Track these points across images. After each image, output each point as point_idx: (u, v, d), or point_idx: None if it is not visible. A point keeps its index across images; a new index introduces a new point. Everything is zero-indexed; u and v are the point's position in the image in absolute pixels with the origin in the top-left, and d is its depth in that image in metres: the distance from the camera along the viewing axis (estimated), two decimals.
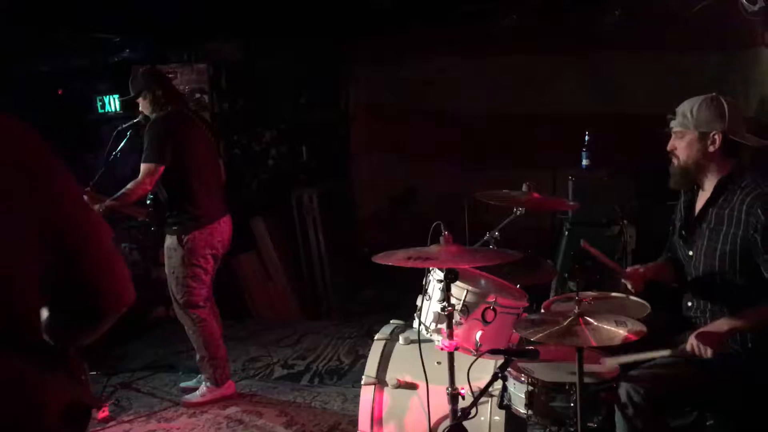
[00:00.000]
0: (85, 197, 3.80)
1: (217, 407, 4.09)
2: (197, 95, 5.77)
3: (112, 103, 5.73)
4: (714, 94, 2.68)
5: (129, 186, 3.85)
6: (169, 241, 4.03)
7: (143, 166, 3.86)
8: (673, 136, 2.73)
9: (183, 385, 4.38)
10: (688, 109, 2.67)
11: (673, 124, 2.72)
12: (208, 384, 4.14)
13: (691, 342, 2.46)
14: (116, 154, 4.29)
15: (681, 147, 2.70)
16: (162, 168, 3.84)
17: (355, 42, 6.57)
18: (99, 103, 5.73)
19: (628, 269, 2.90)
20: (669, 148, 2.75)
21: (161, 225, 4.07)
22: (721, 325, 2.51)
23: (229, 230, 4.18)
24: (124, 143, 4.27)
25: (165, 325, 5.63)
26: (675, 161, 2.75)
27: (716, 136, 2.62)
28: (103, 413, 3.97)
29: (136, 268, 5.72)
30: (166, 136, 3.89)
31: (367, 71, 6.81)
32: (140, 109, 4.09)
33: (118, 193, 3.84)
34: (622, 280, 2.89)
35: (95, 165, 4.60)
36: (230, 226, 4.20)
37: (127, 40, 5.67)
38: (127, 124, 4.24)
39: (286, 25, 5.74)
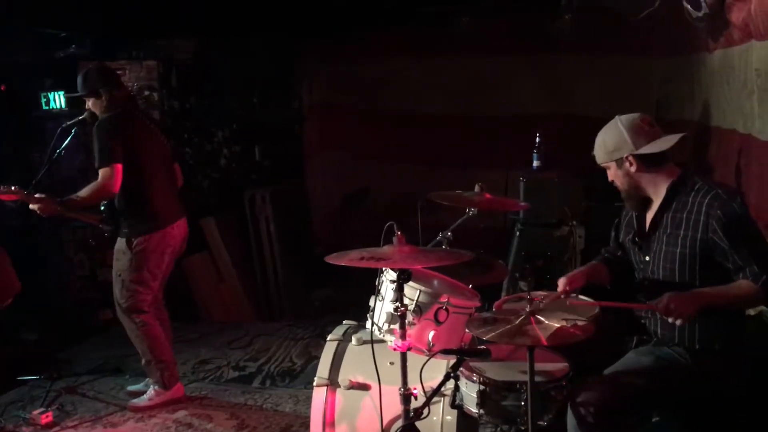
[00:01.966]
0: (36, 201, 3.69)
1: (166, 411, 4.01)
2: (146, 93, 5.65)
3: (57, 100, 5.57)
4: (615, 119, 2.73)
5: (87, 188, 3.76)
6: (119, 243, 3.94)
7: (101, 172, 3.74)
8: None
9: (130, 389, 4.28)
10: (599, 144, 2.76)
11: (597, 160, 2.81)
12: (155, 387, 4.06)
13: (665, 301, 2.47)
14: (60, 151, 4.17)
15: (613, 178, 2.79)
16: (120, 166, 3.74)
17: (310, 42, 6.54)
18: (44, 100, 5.56)
19: (561, 282, 2.86)
20: (609, 180, 2.83)
21: (115, 229, 3.96)
22: (696, 294, 2.51)
23: (184, 233, 4.10)
24: (69, 141, 4.15)
25: (112, 327, 5.48)
26: (619, 190, 2.82)
27: (629, 159, 2.68)
28: (47, 419, 3.86)
29: (82, 269, 5.58)
30: (114, 136, 3.79)
31: (321, 71, 6.79)
32: (89, 107, 3.98)
33: (76, 194, 3.76)
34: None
35: (39, 162, 4.47)
36: (185, 229, 4.12)
37: (73, 35, 5.52)
38: (72, 122, 4.12)
39: (239, 23, 5.68)
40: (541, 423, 2.39)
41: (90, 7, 4.87)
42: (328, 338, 3.17)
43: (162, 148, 4.08)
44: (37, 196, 3.73)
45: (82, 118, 4.10)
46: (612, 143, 2.69)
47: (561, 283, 2.84)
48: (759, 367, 2.66)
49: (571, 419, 2.50)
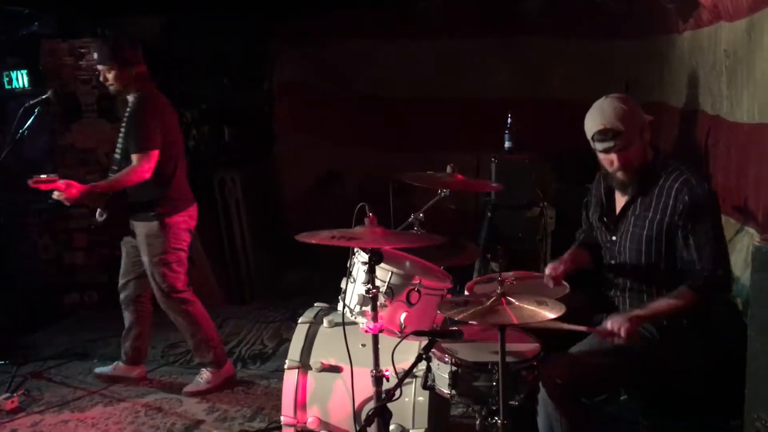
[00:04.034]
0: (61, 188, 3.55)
1: (135, 394, 3.97)
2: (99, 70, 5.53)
3: (20, 79, 5.43)
4: (614, 95, 2.62)
5: (121, 173, 3.67)
6: (147, 228, 3.81)
7: (136, 155, 3.65)
8: (616, 154, 2.60)
9: (98, 371, 4.20)
10: (625, 116, 2.55)
11: (608, 144, 2.58)
12: (209, 369, 4.00)
13: (608, 324, 2.52)
14: (23, 131, 4.05)
15: (632, 157, 2.62)
16: (157, 152, 3.66)
17: (279, 21, 6.44)
18: (6, 79, 5.42)
19: (548, 270, 2.89)
20: (621, 163, 2.62)
21: (117, 216, 3.81)
22: (638, 313, 2.57)
23: (197, 212, 4.04)
24: (32, 120, 4.04)
25: (78, 312, 5.44)
26: (625, 173, 2.66)
27: (646, 127, 2.63)
28: (12, 404, 3.79)
29: (48, 252, 5.47)
30: (156, 120, 3.71)
31: (291, 52, 6.69)
32: (108, 79, 3.77)
33: (104, 180, 3.69)
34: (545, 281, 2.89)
35: (2, 143, 4.35)
36: (197, 208, 4.05)
37: (36, 12, 5.37)
38: (35, 101, 4.00)
39: (208, 2, 5.56)
40: (512, 403, 2.40)
41: None
42: (299, 321, 3.16)
43: (180, 128, 4.01)
44: (65, 182, 3.58)
45: (46, 97, 3.99)
46: (640, 113, 2.60)
47: (549, 267, 2.88)
48: (725, 344, 2.71)
49: (542, 398, 2.52)
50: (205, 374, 4.00)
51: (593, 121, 2.62)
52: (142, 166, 3.64)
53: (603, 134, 2.58)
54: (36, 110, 4.01)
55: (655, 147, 2.76)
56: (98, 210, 3.78)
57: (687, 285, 2.55)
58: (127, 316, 4.10)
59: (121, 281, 4.08)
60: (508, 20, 5.97)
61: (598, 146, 2.63)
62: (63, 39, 5.45)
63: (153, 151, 3.67)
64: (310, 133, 6.69)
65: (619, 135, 2.56)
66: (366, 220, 2.60)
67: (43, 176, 3.56)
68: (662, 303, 2.58)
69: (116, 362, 4.19)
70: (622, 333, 2.48)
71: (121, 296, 4.09)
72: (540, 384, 2.49)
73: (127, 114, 3.83)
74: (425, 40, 6.24)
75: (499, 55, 6.13)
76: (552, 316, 2.23)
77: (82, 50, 5.44)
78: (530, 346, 2.58)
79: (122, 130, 3.84)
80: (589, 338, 2.66)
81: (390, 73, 6.39)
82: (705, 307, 2.67)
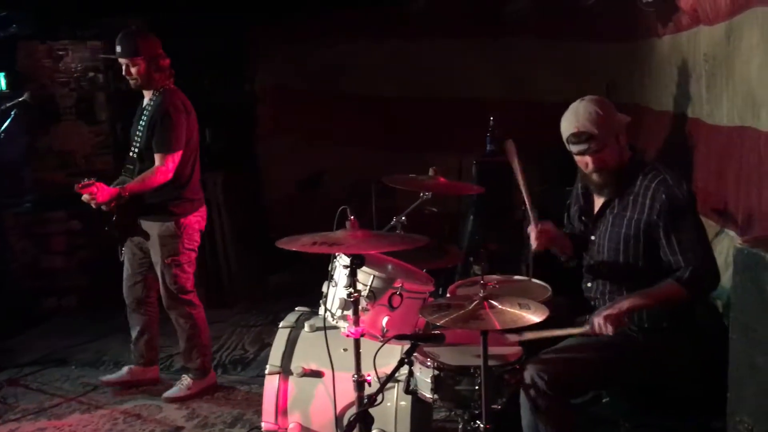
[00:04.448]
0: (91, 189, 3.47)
1: (114, 401, 3.91)
2: (91, 74, 5.48)
3: None
4: (589, 97, 2.63)
5: (145, 174, 3.59)
6: (163, 228, 3.73)
7: (160, 157, 3.57)
8: (590, 156, 2.61)
9: (106, 379, 4.09)
10: (598, 120, 2.55)
11: (582, 147, 2.58)
12: (191, 375, 3.94)
13: (594, 322, 2.52)
14: (0, 134, 4.00)
15: (607, 159, 2.62)
16: (180, 153, 3.60)
17: (263, 22, 6.40)
18: None
19: (540, 226, 2.83)
20: (595, 166, 2.63)
21: (132, 214, 3.73)
22: (621, 304, 2.56)
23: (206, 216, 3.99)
24: (9, 123, 3.98)
25: (56, 317, 5.35)
26: (600, 175, 2.66)
27: (622, 130, 2.64)
28: None
29: (25, 256, 5.38)
30: (183, 119, 3.65)
31: (274, 53, 6.66)
32: (132, 73, 3.67)
33: (136, 179, 3.61)
34: (528, 230, 2.84)
35: None
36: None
37: (13, 13, 5.29)
38: (11, 103, 3.98)
39: (190, 3, 5.51)
40: (495, 407, 2.39)
41: None
42: (280, 325, 3.13)
43: (198, 127, 3.91)
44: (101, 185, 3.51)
45: (23, 100, 3.95)
46: (614, 116, 2.60)
47: (533, 230, 2.81)
48: (707, 346, 2.72)
49: (524, 401, 2.51)
50: (186, 380, 3.95)
51: (568, 124, 2.64)
52: (167, 166, 3.57)
53: (577, 137, 2.60)
54: (12, 112, 3.97)
55: (633, 147, 2.76)
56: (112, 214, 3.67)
57: (673, 278, 2.53)
58: (137, 319, 4.02)
59: (127, 284, 3.99)
60: (490, 22, 5.99)
61: (573, 148, 2.65)
62: (41, 41, 5.39)
63: (179, 152, 3.61)
64: (293, 135, 6.66)
65: (592, 138, 2.57)
66: (347, 224, 2.58)
67: (85, 180, 3.48)
68: (645, 295, 2.56)
69: (128, 366, 4.10)
70: (609, 330, 2.48)
71: (129, 299, 4.00)
72: (523, 385, 2.48)
73: (148, 110, 3.71)
74: (409, 42, 6.24)
75: (482, 57, 6.14)
76: (535, 319, 2.22)
77: (61, 52, 5.39)
78: (512, 349, 2.57)
79: (141, 126, 3.72)
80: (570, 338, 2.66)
81: (373, 75, 6.38)
82: (689, 306, 2.68)
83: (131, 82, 3.72)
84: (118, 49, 3.67)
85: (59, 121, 5.47)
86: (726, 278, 3.04)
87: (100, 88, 5.48)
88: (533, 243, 2.81)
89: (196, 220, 3.83)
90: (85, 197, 3.51)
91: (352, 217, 2.58)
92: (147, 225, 3.76)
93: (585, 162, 2.67)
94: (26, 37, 5.34)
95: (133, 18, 5.61)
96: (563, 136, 2.66)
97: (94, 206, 3.56)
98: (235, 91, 6.71)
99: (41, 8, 5.27)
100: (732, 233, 3.17)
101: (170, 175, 3.60)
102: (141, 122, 3.73)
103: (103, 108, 5.58)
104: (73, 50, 5.44)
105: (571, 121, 2.62)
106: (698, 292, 2.60)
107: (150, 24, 5.66)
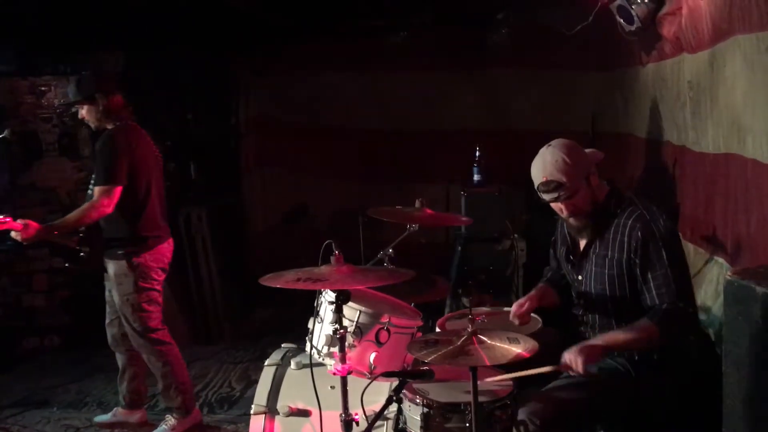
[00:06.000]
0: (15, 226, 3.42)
1: None
2: (74, 109, 5.42)
3: None
4: (558, 141, 2.61)
5: (80, 209, 3.54)
6: (116, 266, 3.68)
7: (98, 189, 3.54)
8: (563, 203, 2.61)
9: (99, 420, 4.03)
10: (565, 167, 2.53)
11: (553, 195, 2.57)
12: (174, 415, 3.84)
13: (565, 357, 2.48)
14: None
15: (580, 203, 2.61)
16: (120, 188, 3.55)
17: (246, 55, 6.41)
18: None
19: (514, 308, 2.86)
20: (569, 213, 2.63)
21: (97, 251, 3.69)
22: (596, 341, 2.54)
23: (172, 250, 3.91)
24: None
25: (37, 357, 5.22)
26: (577, 218, 2.66)
27: (592, 170, 2.63)
28: None
29: (4, 295, 5.27)
30: (122, 155, 3.59)
31: (257, 86, 6.66)
32: (82, 115, 3.73)
33: (65, 218, 3.54)
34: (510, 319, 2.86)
35: None
36: (172, 245, 3.93)
37: None
38: None
39: (171, 36, 5.50)
40: None
41: (12, 19, 4.63)
42: (266, 363, 3.05)
43: (157, 161, 3.87)
44: (21, 221, 3.45)
45: (3, 137, 3.90)
46: (582, 160, 2.59)
47: (515, 305, 2.85)
48: (698, 378, 2.68)
49: None
50: (170, 420, 3.85)
51: (537, 172, 2.62)
52: (102, 201, 3.53)
53: (546, 185, 2.58)
54: None
55: (611, 181, 2.74)
56: (80, 247, 3.64)
57: (648, 317, 2.51)
58: (119, 358, 3.96)
59: (107, 320, 3.94)
60: (475, 53, 6.03)
61: (544, 197, 2.63)
62: (23, 77, 5.35)
63: (116, 187, 3.56)
64: (278, 167, 6.65)
65: (561, 186, 2.55)
66: (332, 259, 2.54)
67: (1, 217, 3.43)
68: (619, 334, 2.55)
69: (115, 408, 4.04)
70: (579, 366, 2.42)
71: (109, 337, 3.94)
72: (515, 424, 2.43)
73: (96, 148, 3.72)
74: (394, 74, 6.26)
75: (467, 88, 6.18)
76: (525, 353, 2.17)
77: (43, 88, 5.35)
78: (503, 384, 2.51)
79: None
80: (563, 375, 2.61)
81: (358, 106, 6.39)
82: (673, 343, 2.62)
83: (89, 124, 3.77)
84: (69, 95, 3.73)
85: (42, 157, 5.41)
86: (717, 307, 3.01)
87: (83, 124, 5.41)
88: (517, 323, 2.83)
89: (153, 258, 3.74)
90: (13, 234, 3.46)
91: (336, 252, 2.53)
92: (106, 262, 3.74)
93: (559, 208, 2.66)
94: (8, 73, 5.30)
95: (115, 52, 5.62)
96: (534, 185, 2.64)
97: (25, 243, 3.52)
98: (218, 125, 6.69)
99: (23, 44, 5.24)
100: (721, 260, 3.14)
101: (107, 210, 3.54)
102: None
103: (87, 143, 5.52)
104: (55, 85, 5.40)
105: (540, 169, 2.60)
106: (671, 330, 2.50)
107: (132, 58, 5.67)
